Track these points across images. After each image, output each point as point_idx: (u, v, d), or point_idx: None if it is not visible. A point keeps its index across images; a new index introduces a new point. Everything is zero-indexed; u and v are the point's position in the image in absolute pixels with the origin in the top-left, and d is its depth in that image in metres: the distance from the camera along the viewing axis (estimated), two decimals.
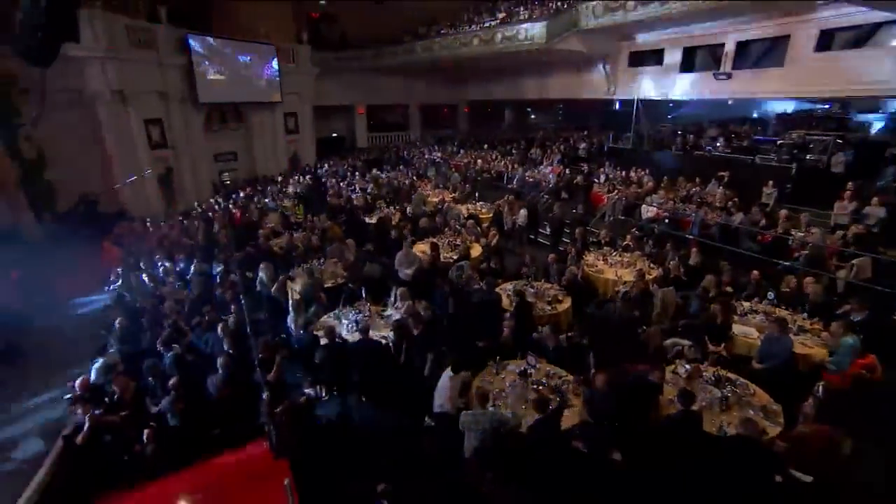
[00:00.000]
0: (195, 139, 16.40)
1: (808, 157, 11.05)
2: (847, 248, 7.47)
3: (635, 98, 15.61)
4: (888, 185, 9.47)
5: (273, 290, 6.99)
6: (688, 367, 4.94)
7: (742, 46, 12.98)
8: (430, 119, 27.00)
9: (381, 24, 21.49)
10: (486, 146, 20.17)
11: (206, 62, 15.82)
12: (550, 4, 15.75)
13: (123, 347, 5.87)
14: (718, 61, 13.60)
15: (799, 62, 11.70)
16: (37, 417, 5.26)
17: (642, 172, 13.14)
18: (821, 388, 4.52)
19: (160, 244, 10.05)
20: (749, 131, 14.90)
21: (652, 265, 7.86)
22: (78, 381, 4.93)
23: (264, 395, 4.06)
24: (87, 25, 11.73)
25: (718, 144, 13.48)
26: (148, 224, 12.06)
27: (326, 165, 19.26)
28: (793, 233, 8.27)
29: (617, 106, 18.50)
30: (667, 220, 10.03)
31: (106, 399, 4.84)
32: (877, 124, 13.19)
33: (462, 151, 20.06)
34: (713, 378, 4.82)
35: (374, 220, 10.98)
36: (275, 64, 17.88)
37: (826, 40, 11.12)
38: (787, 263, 7.67)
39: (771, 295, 6.52)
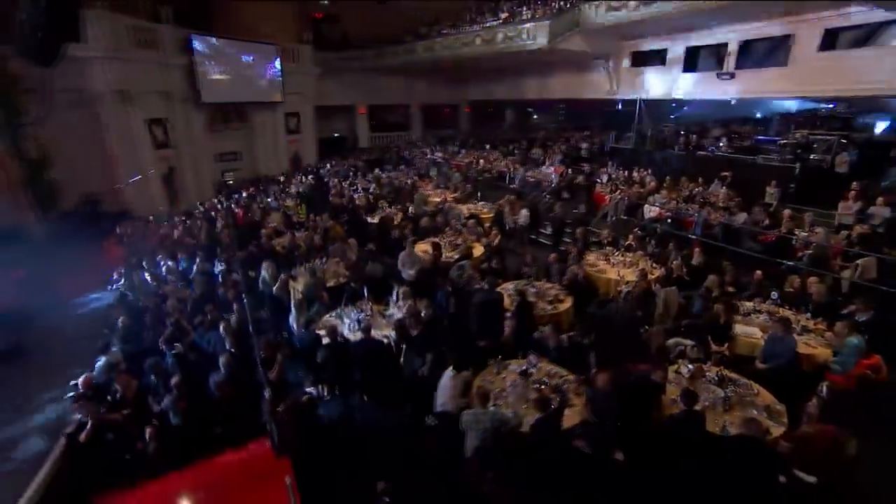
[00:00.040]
0: (197, 139, 16.46)
1: (811, 156, 11.01)
2: (852, 248, 7.44)
3: (638, 98, 15.57)
4: (893, 184, 9.43)
5: (275, 289, 6.99)
6: (690, 366, 4.92)
7: (745, 46, 12.93)
8: (432, 119, 26.98)
9: (382, 24, 21.50)
10: (487, 146, 20.16)
11: (209, 62, 15.88)
12: (553, 4, 15.70)
13: (126, 346, 5.88)
14: (721, 61, 13.55)
15: (802, 62, 11.64)
16: (39, 416, 5.27)
17: (644, 172, 13.10)
18: (825, 388, 4.50)
19: (163, 243, 10.08)
20: (752, 131, 14.85)
21: (654, 265, 7.83)
22: (81, 380, 4.94)
23: (266, 394, 4.06)
24: (90, 25, 11.81)
25: (721, 144, 13.43)
26: (150, 223, 12.08)
27: (328, 165, 19.28)
28: (796, 232, 8.23)
29: (619, 106, 18.45)
30: (669, 220, 10.00)
31: (108, 397, 4.87)
32: (881, 124, 13.12)
33: (463, 151, 20.04)
34: (716, 378, 4.80)
35: (375, 220, 10.98)
36: (277, 64, 17.93)
37: (830, 40, 11.07)
38: (790, 263, 7.64)
39: (774, 295, 6.49)
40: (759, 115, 17.69)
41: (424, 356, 5.01)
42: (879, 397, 4.75)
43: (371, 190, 14.20)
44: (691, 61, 14.53)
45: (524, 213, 10.90)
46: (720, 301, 6.04)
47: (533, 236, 11.31)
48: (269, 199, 13.79)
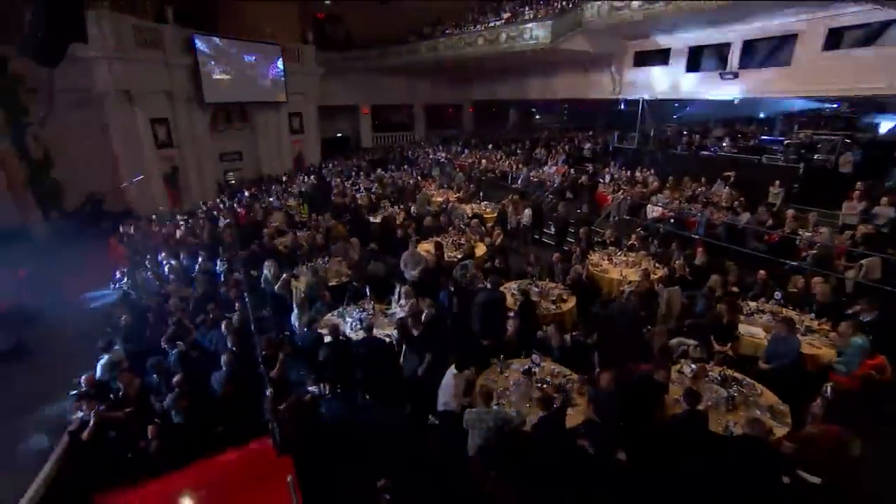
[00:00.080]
0: (200, 139, 16.48)
1: (815, 156, 10.95)
2: (856, 248, 7.39)
3: (641, 98, 15.54)
4: None
5: (277, 287, 7.00)
6: (693, 366, 4.90)
7: (749, 45, 12.89)
8: (435, 119, 26.99)
9: (385, 24, 21.53)
10: (490, 146, 20.15)
11: (212, 62, 15.91)
12: (555, 4, 15.69)
13: (128, 345, 5.89)
14: (725, 60, 13.51)
15: (807, 61, 11.61)
16: (42, 413, 5.29)
17: (647, 172, 13.07)
18: (829, 388, 4.47)
19: (165, 243, 10.11)
20: (755, 131, 14.79)
21: (657, 265, 7.82)
22: (83, 378, 4.96)
23: (268, 393, 4.06)
24: (94, 26, 11.85)
25: (724, 144, 13.39)
26: (153, 223, 12.12)
27: (331, 165, 19.30)
28: (800, 233, 8.19)
29: (622, 106, 18.41)
30: (672, 220, 9.97)
31: (111, 396, 4.88)
32: (886, 124, 13.05)
33: (467, 151, 20.04)
34: (719, 378, 4.78)
35: (378, 220, 10.99)
36: (280, 64, 17.95)
37: (835, 39, 11.02)
38: (794, 263, 7.60)
39: (778, 295, 6.45)
40: (762, 115, 17.61)
41: (423, 356, 5.00)
42: (884, 397, 4.72)
43: (373, 190, 14.21)
44: (694, 61, 14.50)
45: (527, 212, 10.88)
46: (723, 301, 6.01)
47: (536, 236, 11.30)
48: (271, 199, 13.81)
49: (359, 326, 5.93)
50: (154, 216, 12.83)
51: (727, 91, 13.76)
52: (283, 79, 18.17)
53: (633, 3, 12.71)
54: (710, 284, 6.53)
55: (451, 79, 24.39)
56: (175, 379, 4.87)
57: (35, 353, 7.01)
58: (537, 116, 27.65)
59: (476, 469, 3.91)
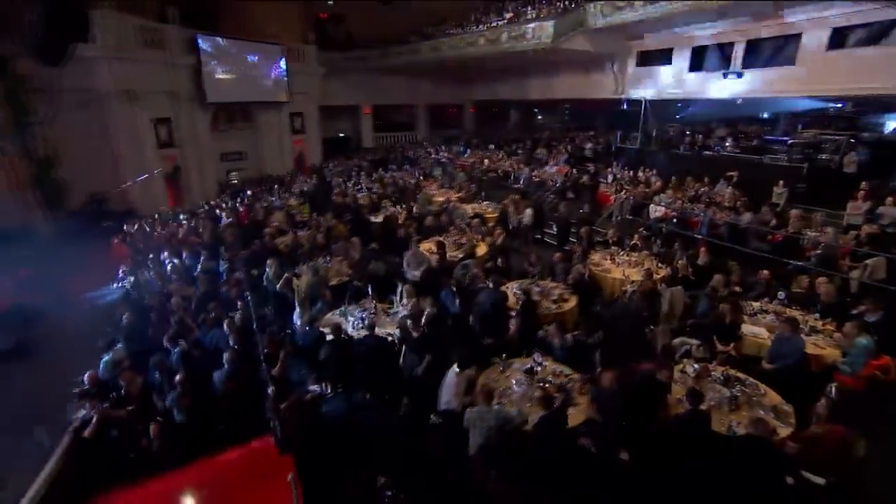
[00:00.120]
0: (202, 138, 16.54)
1: (820, 156, 10.90)
2: (861, 248, 7.35)
3: (643, 98, 15.50)
4: None
5: (278, 286, 7.00)
6: (696, 366, 4.87)
7: (752, 45, 12.84)
8: (437, 119, 27.00)
9: (387, 24, 21.54)
10: (492, 146, 20.14)
11: (214, 62, 15.96)
12: (557, 4, 15.68)
13: (130, 343, 5.90)
14: (728, 60, 13.46)
15: (811, 60, 11.56)
16: (45, 411, 5.29)
17: (650, 172, 13.03)
18: (833, 388, 4.44)
19: (168, 242, 10.12)
20: (759, 131, 14.73)
21: (660, 265, 7.79)
22: (86, 376, 4.97)
23: (269, 391, 4.06)
24: (97, 25, 11.89)
25: (727, 144, 13.34)
26: (155, 222, 12.15)
27: (331, 164, 19.32)
28: (804, 232, 8.15)
29: (624, 106, 18.38)
30: (675, 220, 9.94)
31: (113, 394, 4.89)
32: (891, 123, 12.98)
33: (468, 151, 20.04)
34: (722, 377, 4.76)
35: (379, 220, 10.99)
36: (282, 64, 17.97)
37: (839, 38, 10.96)
38: (798, 263, 7.56)
39: (781, 295, 6.42)
40: (765, 115, 17.55)
41: (423, 357, 5.00)
42: (889, 398, 4.69)
43: (375, 190, 14.22)
44: (697, 60, 14.46)
45: (528, 212, 10.86)
46: (726, 301, 5.98)
47: (538, 236, 11.28)
48: (272, 199, 13.83)
49: (360, 325, 5.93)
50: (156, 215, 12.87)
51: (730, 90, 13.71)
52: (285, 79, 18.21)
53: (636, 3, 12.69)
54: (713, 284, 6.51)
55: (452, 79, 24.38)
56: (177, 377, 4.87)
57: (37, 352, 7.03)
58: (539, 116, 27.63)
59: (477, 468, 3.89)
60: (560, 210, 11.11)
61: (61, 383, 5.41)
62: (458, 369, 4.50)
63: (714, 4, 11.13)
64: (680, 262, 7.34)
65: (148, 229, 11.33)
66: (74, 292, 8.42)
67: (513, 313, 6.01)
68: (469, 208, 11.80)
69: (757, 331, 5.74)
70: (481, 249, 8.81)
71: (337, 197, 13.17)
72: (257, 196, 14.47)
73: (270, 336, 5.49)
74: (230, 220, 11.19)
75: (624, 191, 11.94)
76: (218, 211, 12.54)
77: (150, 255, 9.15)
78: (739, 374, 4.86)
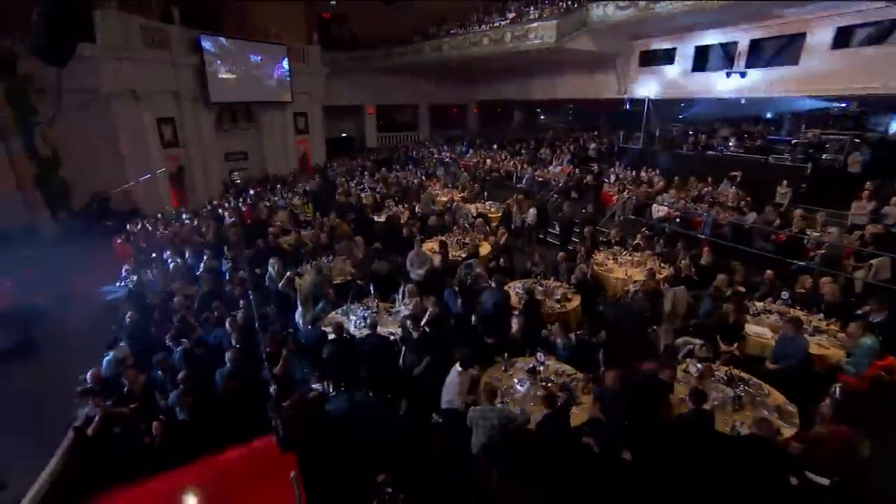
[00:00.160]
0: (206, 138, 16.57)
1: (824, 156, 10.85)
2: (865, 248, 7.31)
3: (646, 98, 15.46)
4: None
5: (280, 285, 7.01)
6: (699, 366, 4.86)
7: (756, 44, 12.79)
8: (440, 119, 26.99)
9: (391, 24, 21.54)
10: (495, 146, 20.13)
11: (218, 61, 15.98)
12: (561, 4, 15.65)
13: (133, 342, 5.92)
14: (731, 60, 13.41)
15: (815, 60, 11.50)
16: (48, 409, 5.31)
17: (653, 172, 13.00)
18: (838, 389, 4.42)
19: (171, 241, 10.15)
20: (762, 131, 14.67)
21: (663, 264, 7.77)
22: (89, 374, 4.99)
23: (271, 389, 4.06)
24: (100, 25, 11.94)
25: (731, 144, 13.30)
26: (159, 221, 12.19)
27: (334, 164, 19.33)
28: (808, 232, 8.11)
29: (627, 106, 18.35)
30: (678, 220, 9.91)
31: (116, 392, 4.90)
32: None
33: (471, 151, 20.03)
34: (725, 377, 4.73)
35: (382, 219, 11.00)
36: (285, 64, 17.99)
37: (843, 37, 10.91)
38: (801, 263, 7.52)
39: (785, 295, 6.39)
40: (769, 115, 17.47)
41: (422, 357, 5.00)
42: (893, 399, 4.65)
43: (378, 189, 14.23)
44: (701, 60, 14.42)
45: (532, 212, 10.86)
46: (730, 301, 5.96)
47: (541, 235, 11.27)
48: (275, 198, 13.86)
49: (363, 324, 5.93)
50: (159, 215, 12.91)
51: (734, 90, 13.66)
52: (288, 79, 18.21)
53: (640, 2, 12.66)
54: (717, 284, 6.48)
55: (455, 79, 24.38)
56: (180, 376, 4.88)
57: (40, 350, 7.06)
58: (542, 116, 27.57)
59: (480, 467, 3.89)
60: (563, 210, 11.10)
61: (64, 382, 5.44)
62: (460, 368, 4.50)
63: (715, 4, 11.08)
64: (683, 261, 7.32)
65: (150, 229, 11.37)
66: (77, 291, 8.46)
67: (516, 313, 6.00)
68: (472, 208, 11.80)
69: (760, 331, 5.72)
70: (484, 249, 8.81)
71: (340, 196, 13.20)
72: (260, 196, 14.50)
73: (273, 335, 5.50)
74: (233, 219, 11.22)
75: (627, 191, 11.91)
76: (221, 210, 12.57)
77: (153, 255, 9.18)
78: (743, 374, 4.84)
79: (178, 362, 5.26)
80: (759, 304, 6.33)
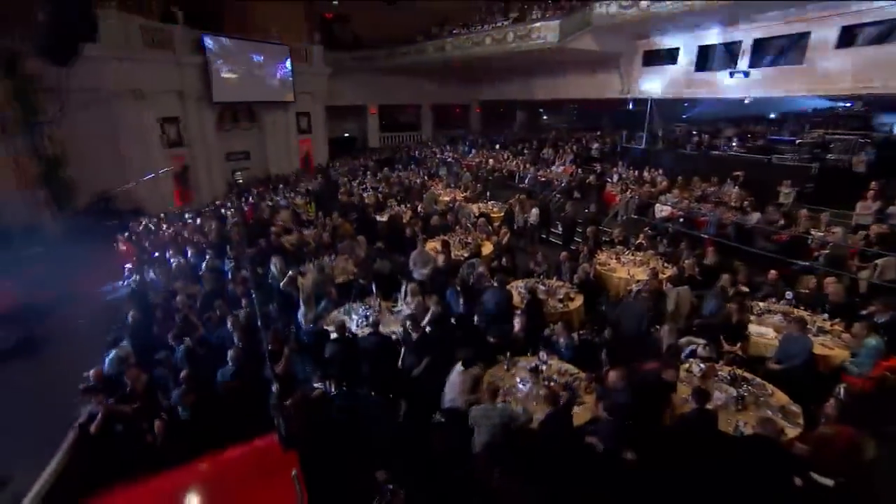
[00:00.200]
0: (209, 138, 16.61)
1: (828, 156, 10.81)
2: (870, 248, 7.26)
3: (649, 98, 15.42)
4: None
5: (282, 284, 7.02)
6: (702, 365, 4.83)
7: (759, 44, 12.74)
8: (442, 119, 27.00)
9: (393, 24, 21.56)
10: (497, 146, 20.11)
11: (221, 61, 16.02)
12: (563, 4, 15.63)
13: (136, 340, 5.93)
14: (735, 59, 13.37)
15: (819, 59, 11.44)
16: (51, 407, 5.33)
17: (656, 172, 12.97)
18: (842, 389, 4.39)
19: (173, 241, 10.18)
20: (766, 131, 14.63)
21: (666, 264, 7.74)
22: (91, 372, 5.00)
23: (273, 388, 4.05)
24: (102, 26, 11.96)
25: (734, 144, 13.25)
26: (162, 221, 12.24)
27: (337, 164, 19.35)
28: (812, 232, 8.07)
29: (630, 106, 18.31)
30: (681, 220, 9.88)
31: (118, 390, 4.90)
32: None
33: (474, 151, 20.02)
34: (729, 377, 4.71)
35: (384, 219, 11.01)
36: (288, 64, 18.02)
37: (848, 36, 10.85)
38: (805, 263, 7.49)
39: (789, 295, 6.36)
40: (773, 115, 17.42)
41: (421, 358, 4.99)
42: None
43: (380, 189, 14.24)
44: (704, 60, 14.36)
45: (534, 211, 10.85)
46: (733, 300, 5.93)
47: (543, 235, 11.26)
48: (278, 198, 13.89)
49: (365, 323, 5.93)
50: (162, 215, 12.95)
51: (738, 90, 13.61)
52: (290, 79, 18.24)
53: (642, 2, 12.62)
54: (722, 284, 6.45)
55: (458, 79, 24.38)
56: (182, 374, 4.89)
57: (44, 349, 7.09)
58: (545, 116, 27.56)
59: (482, 466, 3.88)
60: (566, 210, 11.08)
61: (67, 380, 5.45)
62: (462, 367, 4.49)
63: (717, 4, 11.04)
64: (686, 261, 7.30)
65: (153, 228, 11.41)
66: (80, 290, 8.49)
67: (518, 311, 5.99)
68: (475, 208, 11.80)
69: (764, 331, 5.69)
70: (487, 249, 8.80)
71: (343, 196, 13.21)
72: (262, 195, 14.53)
73: (275, 333, 5.50)
74: (235, 219, 11.24)
75: (630, 190, 11.88)
76: (223, 210, 12.60)
77: (156, 254, 9.21)
78: (746, 374, 4.82)
79: (181, 361, 5.27)
80: (763, 305, 6.30)
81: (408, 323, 5.35)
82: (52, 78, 11.21)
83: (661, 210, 10.51)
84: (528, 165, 16.04)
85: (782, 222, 8.66)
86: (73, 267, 9.27)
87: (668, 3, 11.89)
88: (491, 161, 17.45)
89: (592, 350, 5.34)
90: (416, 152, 21.59)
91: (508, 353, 5.17)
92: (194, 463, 3.77)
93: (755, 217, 9.03)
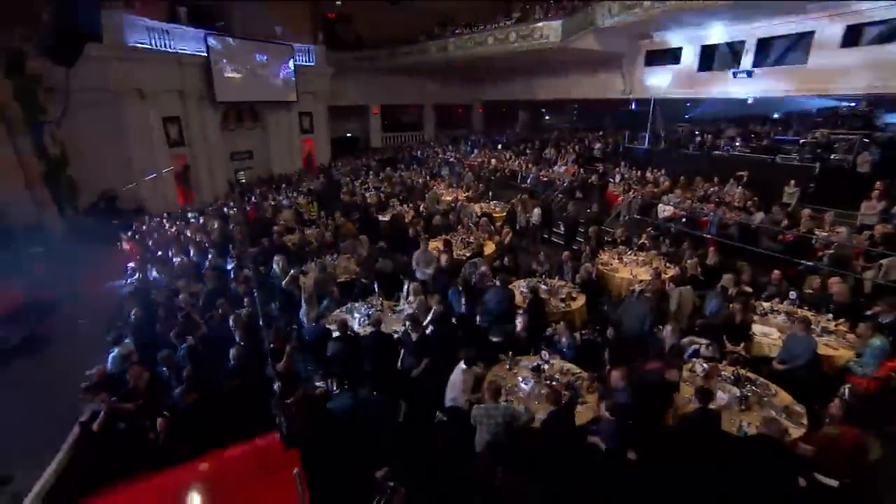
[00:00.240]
0: (212, 138, 16.65)
1: (832, 156, 10.74)
2: (875, 248, 7.22)
3: (652, 98, 15.38)
4: None
5: (284, 283, 7.02)
6: (705, 365, 4.81)
7: (763, 43, 12.69)
8: (445, 119, 26.99)
9: (396, 24, 21.57)
10: (499, 146, 20.10)
11: (224, 60, 16.07)
12: (566, 4, 15.61)
13: (138, 339, 5.94)
14: (738, 59, 13.31)
15: (823, 59, 11.39)
16: (55, 404, 5.34)
17: (658, 172, 12.92)
18: (847, 390, 4.36)
19: (176, 239, 10.21)
20: (769, 130, 14.55)
21: (668, 264, 7.72)
22: (94, 370, 5.01)
23: (275, 386, 4.05)
24: (107, 25, 11.98)
25: (737, 144, 13.20)
26: (164, 220, 12.27)
27: (339, 164, 19.37)
28: (816, 232, 8.03)
29: (633, 106, 18.27)
30: (684, 220, 9.84)
31: (121, 388, 4.91)
32: None
33: (476, 151, 20.01)
34: (732, 377, 4.69)
35: (387, 218, 11.01)
36: (291, 64, 18.05)
37: (853, 36, 10.79)
38: (809, 263, 7.45)
39: (793, 295, 6.32)
40: (776, 115, 17.34)
41: (420, 359, 4.97)
42: None
43: (382, 189, 14.24)
44: (707, 60, 14.31)
45: (536, 211, 10.84)
46: (736, 300, 5.90)
47: (545, 235, 11.24)
48: (280, 198, 13.92)
49: (366, 322, 5.92)
50: (165, 214, 12.98)
51: (741, 90, 13.56)
52: (293, 79, 18.27)
53: (645, 2, 12.59)
54: (723, 283, 6.43)
55: (460, 79, 24.37)
56: (184, 373, 4.89)
57: (47, 347, 7.11)
58: (547, 117, 27.53)
59: (484, 465, 3.87)
60: (568, 209, 11.06)
61: (71, 377, 5.47)
62: (464, 366, 4.48)
63: (718, 4, 11.01)
64: (689, 261, 7.27)
65: (156, 227, 11.44)
66: (84, 288, 8.52)
67: (520, 311, 5.97)
68: (477, 207, 11.78)
69: (767, 331, 5.67)
70: (489, 248, 8.79)
71: (345, 196, 13.22)
72: (265, 195, 14.56)
73: (277, 331, 5.50)
74: (238, 218, 11.26)
75: (632, 190, 11.84)
76: (226, 209, 12.63)
77: (159, 252, 9.23)
78: (750, 374, 4.79)
79: (183, 359, 5.28)
80: (766, 305, 6.27)
81: (408, 323, 5.34)
82: (55, 78, 11.24)
83: (664, 210, 10.48)
84: (530, 165, 16.02)
85: (786, 222, 8.62)
86: (75, 266, 9.30)
87: (669, 2, 11.85)
88: (493, 161, 17.43)
89: (594, 350, 5.32)
90: (419, 152, 21.59)
91: (510, 353, 5.16)
92: (196, 461, 3.77)
93: (759, 217, 8.99)
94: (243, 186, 17.19)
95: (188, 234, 10.56)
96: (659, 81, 15.58)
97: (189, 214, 12.96)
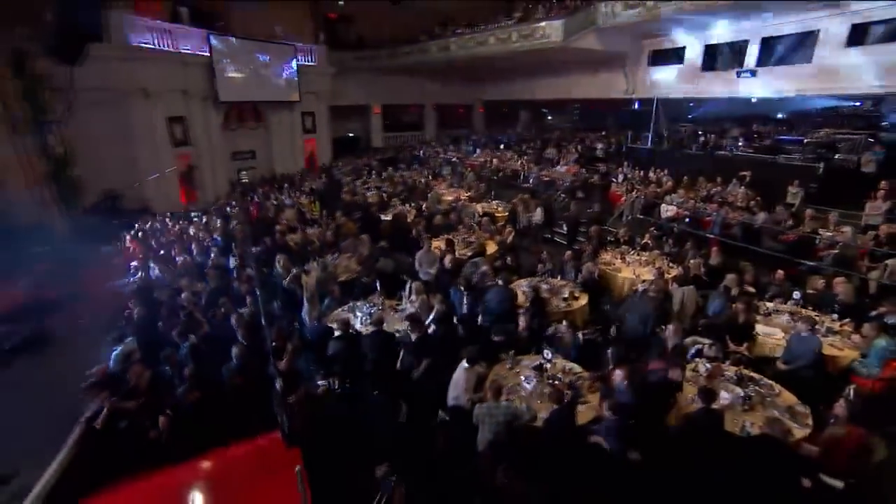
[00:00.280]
0: (214, 137, 16.68)
1: (836, 156, 10.69)
2: (880, 248, 7.18)
3: (655, 97, 15.34)
4: None
5: (286, 282, 7.03)
6: (708, 365, 4.79)
7: (767, 43, 12.64)
8: (446, 119, 26.98)
9: (397, 24, 21.58)
10: (501, 146, 20.09)
11: (227, 60, 16.10)
12: (568, 3, 15.58)
13: (141, 337, 5.95)
14: (742, 58, 13.26)
15: (828, 58, 11.32)
16: (57, 402, 5.35)
17: (661, 172, 12.89)
18: (851, 390, 4.33)
19: (179, 238, 10.24)
20: (772, 130, 14.51)
21: (671, 264, 7.70)
22: (96, 369, 5.02)
23: (277, 385, 4.05)
24: (111, 25, 12.06)
25: (740, 144, 13.15)
26: (168, 219, 12.30)
27: (340, 164, 19.40)
28: (821, 232, 7.99)
29: (636, 106, 18.22)
30: (687, 220, 9.81)
31: (123, 387, 4.91)
32: None
33: (477, 151, 20.01)
34: (735, 377, 4.66)
35: (388, 218, 11.01)
36: (293, 64, 18.07)
37: (858, 35, 10.72)
38: (812, 264, 7.42)
39: (797, 295, 6.29)
40: (780, 115, 17.28)
41: (420, 360, 4.97)
42: None
43: (384, 189, 14.25)
44: (710, 59, 14.25)
45: (538, 211, 10.82)
46: (739, 300, 5.88)
47: (547, 235, 11.22)
48: (283, 197, 13.94)
49: (368, 321, 5.92)
50: (168, 214, 13.01)
51: (744, 90, 13.50)
52: (296, 79, 18.30)
53: (647, 2, 12.55)
54: (726, 283, 6.40)
55: (461, 79, 24.35)
56: (186, 371, 4.89)
57: (51, 344, 7.13)
58: (549, 117, 27.51)
59: (485, 463, 3.85)
60: (570, 209, 11.04)
61: (74, 376, 5.48)
62: (466, 365, 4.47)
63: (716, 4, 10.97)
64: (692, 261, 7.25)
65: (159, 226, 11.47)
66: (88, 287, 8.54)
67: (522, 310, 5.96)
68: (478, 207, 11.78)
69: (771, 331, 5.63)
70: (491, 248, 8.78)
71: (346, 195, 13.23)
72: (267, 194, 14.58)
73: (279, 330, 5.50)
74: (240, 217, 11.28)
75: (635, 190, 11.82)
76: (228, 209, 12.65)
77: (162, 252, 9.25)
78: (753, 374, 4.77)
79: (185, 358, 5.28)
80: (770, 305, 6.24)
81: (408, 323, 5.33)
82: (60, 77, 11.30)
83: (667, 210, 10.45)
84: (531, 165, 16.00)
85: (790, 222, 8.59)
86: (79, 265, 9.33)
87: (672, 2, 11.81)
88: (494, 161, 17.42)
89: (597, 349, 5.31)
90: (420, 152, 21.59)
91: (512, 352, 5.15)
92: (198, 459, 3.77)
93: (762, 217, 8.96)
94: (245, 186, 17.21)
95: (191, 232, 10.59)
96: (662, 81, 15.53)
97: (192, 214, 12.98)
